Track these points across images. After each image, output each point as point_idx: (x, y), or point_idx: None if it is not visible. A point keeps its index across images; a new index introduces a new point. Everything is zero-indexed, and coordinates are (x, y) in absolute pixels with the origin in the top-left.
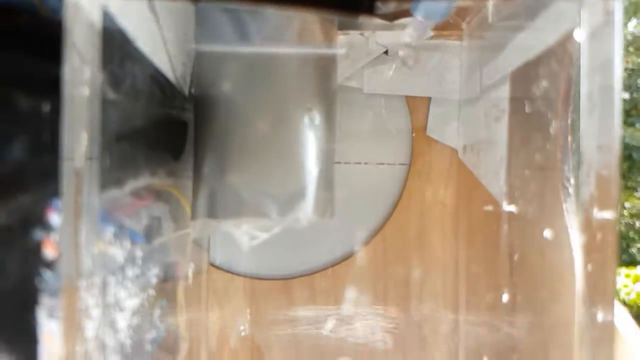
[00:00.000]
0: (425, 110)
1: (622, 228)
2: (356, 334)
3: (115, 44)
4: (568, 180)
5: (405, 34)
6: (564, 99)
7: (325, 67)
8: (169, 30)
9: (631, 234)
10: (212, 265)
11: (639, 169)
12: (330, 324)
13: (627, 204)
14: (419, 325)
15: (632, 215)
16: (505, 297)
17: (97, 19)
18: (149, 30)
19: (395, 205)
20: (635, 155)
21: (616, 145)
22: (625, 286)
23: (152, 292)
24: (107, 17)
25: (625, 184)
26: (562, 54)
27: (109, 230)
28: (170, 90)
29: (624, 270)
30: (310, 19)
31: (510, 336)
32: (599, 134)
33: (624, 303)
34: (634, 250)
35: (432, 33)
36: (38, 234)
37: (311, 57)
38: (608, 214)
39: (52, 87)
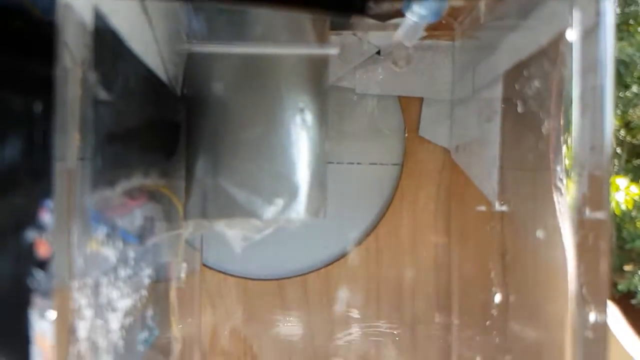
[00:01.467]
0: (418, 111)
1: None
2: (349, 333)
3: (107, 45)
4: (561, 180)
5: (398, 34)
6: (556, 99)
7: (317, 67)
8: (161, 30)
9: None
10: (205, 265)
11: (623, 84)
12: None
13: None
14: (412, 326)
15: None
16: (497, 298)
17: (89, 19)
18: (141, 30)
19: (388, 206)
20: (622, 69)
21: (608, 145)
22: None
23: (144, 292)
24: (98, 17)
25: None
26: (554, 54)
27: (102, 231)
28: (162, 91)
29: None
30: (302, 20)
31: (503, 336)
32: (592, 135)
33: None
34: None
35: (424, 33)
36: (30, 234)
37: (303, 57)
38: (600, 214)
39: (44, 88)
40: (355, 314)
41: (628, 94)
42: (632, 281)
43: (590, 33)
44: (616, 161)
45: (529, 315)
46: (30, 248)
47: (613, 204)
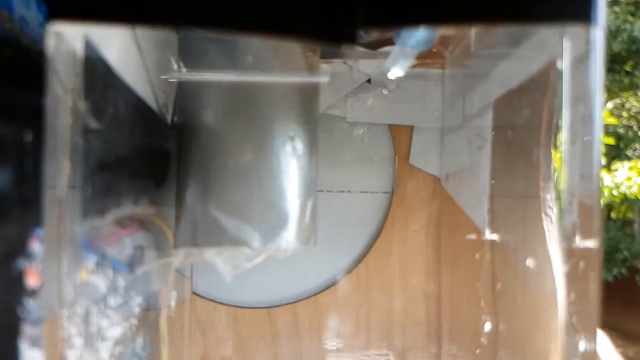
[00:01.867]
0: (408, 139)
1: (622, 129)
2: None
3: (97, 73)
4: (550, 208)
5: (389, 62)
6: (547, 127)
7: (308, 95)
8: (152, 58)
9: (630, 134)
10: (195, 293)
11: None
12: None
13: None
14: (402, 354)
15: (630, 117)
16: (487, 326)
17: (79, 48)
18: (132, 58)
19: (378, 234)
20: None
21: (598, 174)
22: (628, 179)
23: (134, 321)
24: (89, 46)
25: (630, 81)
26: (544, 82)
27: (92, 259)
28: (152, 119)
29: (626, 164)
30: (293, 48)
31: None
32: (581, 163)
33: (625, 196)
34: (629, 152)
35: (415, 61)
36: (20, 263)
37: (294, 85)
38: (590, 243)
39: (34, 116)
40: (345, 341)
41: None
42: None
43: (581, 62)
44: (638, 145)
45: (519, 343)
46: (20, 277)
47: (636, 188)
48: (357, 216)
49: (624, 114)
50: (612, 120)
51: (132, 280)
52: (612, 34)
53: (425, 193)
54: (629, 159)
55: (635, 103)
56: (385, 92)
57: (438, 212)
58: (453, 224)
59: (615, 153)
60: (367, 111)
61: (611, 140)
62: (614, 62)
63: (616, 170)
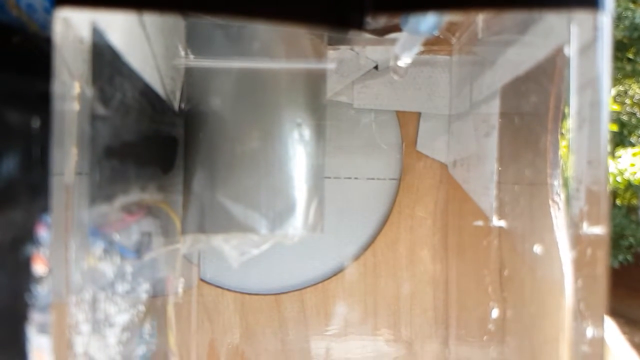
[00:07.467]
0: (416, 125)
1: (625, 117)
2: (347, 348)
3: (104, 60)
4: (558, 195)
5: (396, 49)
6: (554, 114)
7: (315, 82)
8: (159, 45)
9: (633, 120)
10: (203, 280)
11: None
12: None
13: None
14: (409, 341)
15: (633, 104)
16: (495, 313)
17: (86, 34)
18: (139, 45)
19: (385, 220)
20: None
21: (605, 160)
22: (632, 165)
23: (142, 307)
24: (96, 32)
25: (632, 68)
26: (551, 69)
27: (99, 246)
28: (160, 106)
29: (630, 150)
30: (300, 35)
31: (500, 351)
32: (589, 150)
33: (629, 183)
34: (633, 139)
35: (422, 48)
36: (28, 249)
37: (301, 72)
38: (598, 229)
39: (41, 103)
40: (352, 328)
41: None
42: None
43: (588, 48)
44: None
45: (526, 329)
46: (28, 263)
47: None
48: (364, 203)
49: (627, 101)
50: (615, 108)
51: (140, 267)
52: (614, 22)
53: (433, 180)
54: (632, 145)
55: (638, 90)
56: (395, 77)
57: (445, 199)
58: (460, 210)
59: (619, 140)
60: (374, 98)
61: (614, 127)
62: (616, 50)
63: (620, 157)
